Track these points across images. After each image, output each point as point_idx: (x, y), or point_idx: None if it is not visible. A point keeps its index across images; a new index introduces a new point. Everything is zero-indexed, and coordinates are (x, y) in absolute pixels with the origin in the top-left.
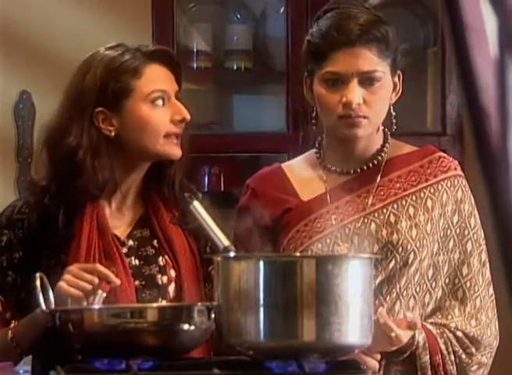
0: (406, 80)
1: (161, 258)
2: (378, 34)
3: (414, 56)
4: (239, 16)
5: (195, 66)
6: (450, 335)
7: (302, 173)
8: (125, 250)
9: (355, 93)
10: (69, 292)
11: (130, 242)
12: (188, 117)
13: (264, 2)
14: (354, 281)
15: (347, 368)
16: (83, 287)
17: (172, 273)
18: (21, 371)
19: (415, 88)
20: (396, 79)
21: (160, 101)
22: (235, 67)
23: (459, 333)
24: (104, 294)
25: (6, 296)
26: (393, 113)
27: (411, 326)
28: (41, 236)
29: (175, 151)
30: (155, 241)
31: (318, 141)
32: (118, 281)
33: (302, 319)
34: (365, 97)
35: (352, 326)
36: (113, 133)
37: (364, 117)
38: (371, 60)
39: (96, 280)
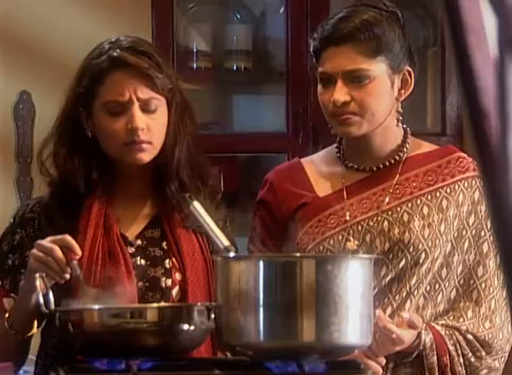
0: None
1: (168, 260)
2: (365, 33)
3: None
4: (238, 16)
5: (195, 66)
6: (460, 337)
7: (321, 168)
8: (132, 250)
9: (340, 92)
10: (37, 269)
11: (138, 242)
12: (138, 126)
13: (264, 2)
14: (354, 282)
15: (347, 368)
16: (50, 267)
17: (178, 276)
18: (21, 372)
19: (415, 88)
20: (406, 75)
21: (117, 110)
22: (235, 67)
23: (469, 336)
24: (75, 262)
25: (18, 294)
26: (400, 111)
27: (411, 325)
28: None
29: (136, 156)
30: (164, 243)
31: (339, 138)
32: (80, 252)
33: (302, 320)
34: (354, 95)
35: (351, 327)
36: (90, 134)
37: (355, 114)
38: (355, 59)
39: (55, 248)
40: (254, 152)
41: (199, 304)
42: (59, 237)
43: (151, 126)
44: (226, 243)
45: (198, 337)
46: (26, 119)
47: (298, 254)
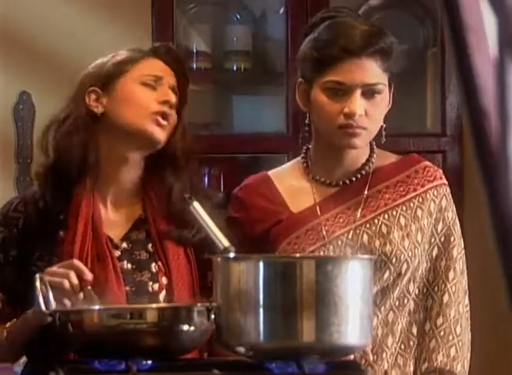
0: (406, 80)
1: (154, 264)
2: (384, 46)
3: (414, 57)
4: (238, 16)
5: (195, 66)
6: None
7: (290, 182)
8: (118, 253)
9: (358, 104)
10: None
11: (124, 245)
12: (172, 100)
13: (264, 3)
14: (354, 282)
15: (347, 369)
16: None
17: (164, 280)
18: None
19: (415, 89)
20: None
21: (152, 83)
22: (234, 68)
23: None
24: (89, 287)
25: (5, 293)
26: (384, 125)
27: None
28: (36, 235)
29: (157, 133)
30: (150, 245)
31: (305, 151)
32: (90, 276)
33: (302, 320)
34: (367, 108)
35: (351, 327)
36: (100, 110)
37: (364, 128)
38: (375, 72)
39: (71, 273)
40: (254, 153)
41: (198, 304)
42: (66, 262)
43: (173, 110)
44: (226, 244)
45: (198, 338)
46: (26, 120)
47: (298, 255)
